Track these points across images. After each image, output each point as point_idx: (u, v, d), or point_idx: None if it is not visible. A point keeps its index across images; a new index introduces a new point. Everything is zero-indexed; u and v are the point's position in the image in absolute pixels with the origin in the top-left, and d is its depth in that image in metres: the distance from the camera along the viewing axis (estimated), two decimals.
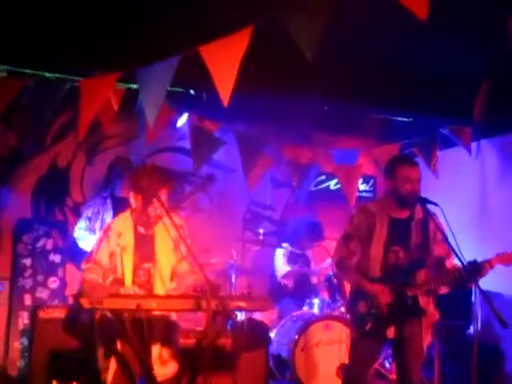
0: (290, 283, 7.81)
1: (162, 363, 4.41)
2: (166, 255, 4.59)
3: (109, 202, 6.79)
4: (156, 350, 4.39)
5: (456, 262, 4.89)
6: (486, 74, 6.23)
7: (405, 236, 4.90)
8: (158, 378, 4.32)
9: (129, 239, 4.56)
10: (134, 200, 4.58)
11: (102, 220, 6.63)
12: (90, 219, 6.80)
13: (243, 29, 4.64)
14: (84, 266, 4.61)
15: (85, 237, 6.83)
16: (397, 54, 6.55)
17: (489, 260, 4.69)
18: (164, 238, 4.55)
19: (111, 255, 4.53)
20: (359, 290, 4.98)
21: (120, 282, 4.48)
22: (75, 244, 7.03)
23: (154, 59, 5.13)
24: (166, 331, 4.49)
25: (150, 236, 4.62)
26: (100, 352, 4.43)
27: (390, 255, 4.89)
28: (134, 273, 4.52)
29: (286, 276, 7.79)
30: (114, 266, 4.52)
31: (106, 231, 4.64)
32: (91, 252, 4.65)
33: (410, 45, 6.25)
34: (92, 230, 6.76)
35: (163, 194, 4.48)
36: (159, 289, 4.54)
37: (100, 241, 4.62)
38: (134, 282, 4.50)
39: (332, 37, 4.54)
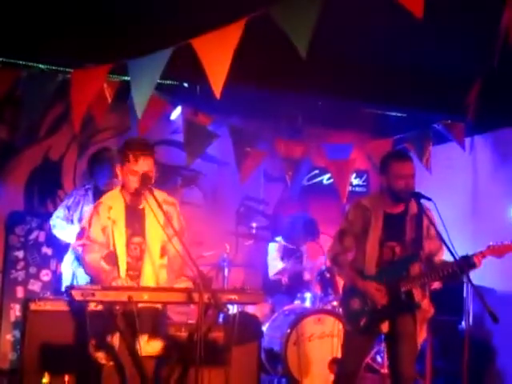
0: (283, 279, 7.80)
1: (148, 342, 4.40)
2: (155, 230, 4.54)
3: (90, 194, 6.57)
4: (143, 338, 4.38)
5: (444, 257, 4.92)
6: (479, 69, 6.23)
7: (400, 231, 4.90)
8: (142, 354, 4.32)
9: (119, 213, 4.53)
10: (120, 172, 4.55)
11: (81, 211, 6.44)
12: (69, 208, 6.57)
13: (236, 22, 4.64)
14: (77, 243, 4.59)
15: (61, 226, 6.58)
16: (391, 50, 6.56)
17: (481, 252, 4.72)
18: (155, 213, 4.49)
19: (104, 229, 4.50)
20: (353, 286, 4.99)
21: (113, 256, 4.46)
22: (49, 230, 6.92)
23: (146, 52, 5.13)
24: (154, 321, 4.47)
25: (140, 210, 4.59)
26: (92, 344, 4.42)
27: (386, 251, 4.90)
28: (127, 247, 4.51)
29: (278, 273, 7.78)
30: (108, 240, 4.50)
31: (96, 206, 4.60)
32: (83, 229, 4.62)
33: (404, 41, 6.26)
34: (70, 220, 6.53)
35: (146, 165, 4.47)
36: (148, 265, 4.51)
37: (91, 217, 4.58)
38: (127, 256, 4.49)
39: (327, 32, 4.54)
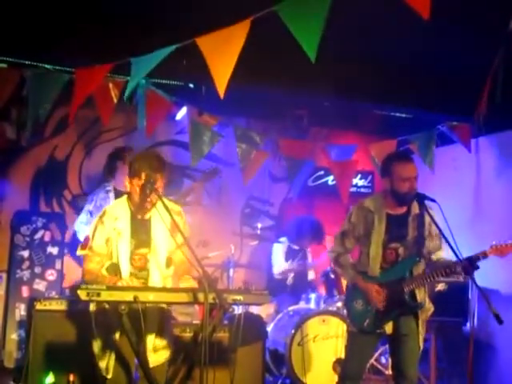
0: (288, 279, 7.80)
1: (155, 351, 4.39)
2: (162, 241, 4.51)
3: (111, 196, 6.51)
4: (150, 340, 4.38)
5: (444, 256, 4.95)
6: (485, 71, 6.22)
7: (402, 232, 4.91)
8: (151, 365, 4.30)
9: (125, 224, 4.48)
10: (129, 184, 4.50)
11: None
12: (91, 213, 6.52)
13: (242, 21, 4.64)
14: (79, 252, 4.56)
15: (85, 231, 6.37)
16: (397, 51, 6.56)
17: (484, 251, 4.73)
18: (161, 224, 4.46)
19: (107, 241, 4.45)
20: (355, 286, 5.00)
21: (116, 267, 4.43)
22: (73, 236, 6.98)
23: (151, 51, 5.14)
24: (160, 322, 4.47)
25: (146, 221, 4.54)
26: (97, 343, 4.41)
27: (389, 252, 4.90)
28: (131, 258, 4.46)
29: (283, 273, 7.78)
30: (111, 251, 4.45)
31: (101, 216, 4.54)
32: (87, 238, 4.56)
33: (410, 41, 6.25)
34: None
35: (158, 180, 4.41)
36: (155, 275, 4.48)
37: (95, 227, 4.52)
38: (131, 266, 4.45)
39: (333, 33, 4.54)
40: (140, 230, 4.52)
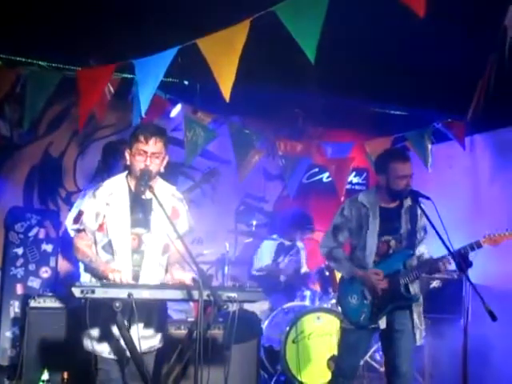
0: (279, 277, 7.79)
1: (143, 340, 4.26)
2: (162, 225, 4.34)
3: None
4: (140, 331, 4.29)
5: (424, 249, 5.02)
6: (481, 68, 6.24)
7: (395, 225, 4.97)
8: (140, 351, 4.18)
9: (122, 199, 4.34)
10: (129, 156, 4.32)
11: None
12: None
13: (241, 22, 4.65)
14: (72, 226, 4.44)
15: None
16: (393, 48, 6.56)
17: (478, 241, 4.79)
18: (164, 206, 4.23)
19: (97, 215, 4.30)
20: (350, 280, 5.01)
21: (111, 245, 4.30)
22: (66, 235, 6.93)
23: (151, 51, 5.14)
24: (150, 314, 4.40)
25: (147, 201, 4.37)
26: (93, 335, 4.33)
27: (381, 245, 4.95)
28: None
29: (261, 270, 7.77)
30: (105, 227, 4.31)
31: (95, 190, 4.38)
32: (80, 212, 4.40)
33: (405, 39, 6.26)
34: None
35: (156, 147, 4.25)
36: (149, 260, 4.35)
37: (87, 201, 4.39)
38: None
39: (328, 31, 4.55)
40: (138, 208, 4.36)
